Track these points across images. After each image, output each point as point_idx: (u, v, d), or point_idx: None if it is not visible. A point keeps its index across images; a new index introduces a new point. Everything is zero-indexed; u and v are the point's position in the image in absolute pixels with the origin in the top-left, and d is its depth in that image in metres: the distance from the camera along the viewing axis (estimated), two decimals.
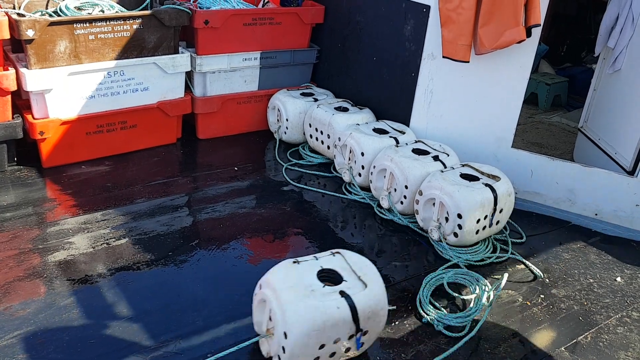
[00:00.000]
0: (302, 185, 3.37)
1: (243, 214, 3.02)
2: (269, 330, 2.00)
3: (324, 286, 1.96)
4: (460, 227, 2.71)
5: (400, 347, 2.21)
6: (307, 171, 3.55)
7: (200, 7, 3.75)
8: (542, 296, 2.59)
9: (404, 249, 2.85)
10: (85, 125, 3.31)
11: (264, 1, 3.98)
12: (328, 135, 3.53)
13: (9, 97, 3.06)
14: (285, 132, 3.80)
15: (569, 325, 2.43)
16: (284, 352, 1.89)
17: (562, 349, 2.29)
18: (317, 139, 3.65)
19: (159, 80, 3.50)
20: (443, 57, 3.17)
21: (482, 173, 2.93)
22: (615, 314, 2.52)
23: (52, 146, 3.23)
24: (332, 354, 1.97)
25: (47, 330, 2.14)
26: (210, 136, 3.88)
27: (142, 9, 3.56)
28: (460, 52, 3.10)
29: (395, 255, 2.79)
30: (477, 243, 2.86)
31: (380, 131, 3.35)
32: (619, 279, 2.77)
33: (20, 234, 2.68)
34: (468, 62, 3.10)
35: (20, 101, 3.26)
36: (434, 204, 2.81)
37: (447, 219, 2.76)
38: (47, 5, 3.39)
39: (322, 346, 1.91)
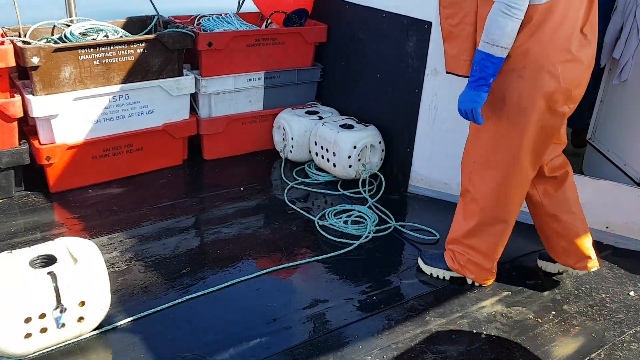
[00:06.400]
0: (309, 204, 3.36)
1: (250, 235, 3.01)
2: None
3: (35, 269, 2.04)
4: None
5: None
6: (314, 189, 3.54)
7: (203, 30, 3.79)
8: (553, 312, 2.55)
9: (413, 264, 2.83)
10: (92, 149, 3.33)
11: (266, 22, 4.00)
12: (334, 153, 3.53)
13: (15, 123, 3.09)
14: (290, 151, 3.80)
15: (582, 342, 2.38)
16: None
17: None
18: (322, 156, 3.64)
19: (164, 102, 3.52)
20: (446, 72, 3.15)
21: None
22: (628, 329, 2.46)
23: (58, 171, 3.25)
24: (44, 330, 2.04)
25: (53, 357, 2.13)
26: (216, 157, 3.89)
27: (145, 33, 3.60)
28: (464, 68, 3.08)
29: (409, 273, 2.77)
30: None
31: None
32: (632, 292, 2.71)
33: None
34: None
35: (27, 127, 3.29)
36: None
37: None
38: (52, 32, 3.43)
39: (28, 320, 1.97)
